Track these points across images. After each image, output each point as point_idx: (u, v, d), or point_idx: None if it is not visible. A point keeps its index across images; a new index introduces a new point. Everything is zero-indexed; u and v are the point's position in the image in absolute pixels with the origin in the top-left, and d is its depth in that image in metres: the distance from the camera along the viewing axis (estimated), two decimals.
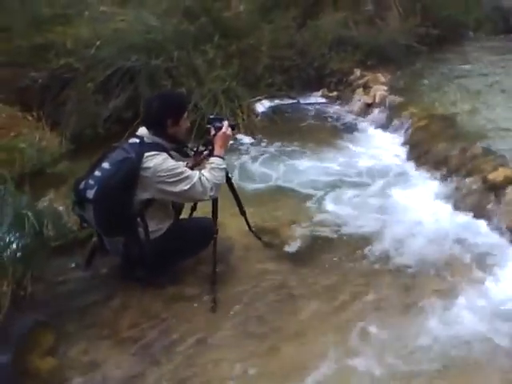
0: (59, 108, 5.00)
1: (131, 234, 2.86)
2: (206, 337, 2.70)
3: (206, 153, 3.09)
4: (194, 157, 3.12)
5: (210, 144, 3.07)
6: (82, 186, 2.81)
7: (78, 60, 5.00)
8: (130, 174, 2.74)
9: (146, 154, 2.77)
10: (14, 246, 2.93)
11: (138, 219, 2.84)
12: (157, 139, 2.88)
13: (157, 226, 2.90)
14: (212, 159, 3.01)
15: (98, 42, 5.09)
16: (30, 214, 2.97)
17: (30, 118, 4.60)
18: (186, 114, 2.98)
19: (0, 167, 3.43)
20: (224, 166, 3.02)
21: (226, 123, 3.08)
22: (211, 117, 3.19)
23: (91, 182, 2.78)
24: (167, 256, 2.97)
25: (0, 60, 4.88)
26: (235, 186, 3.30)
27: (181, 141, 3.02)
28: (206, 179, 2.88)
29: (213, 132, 3.03)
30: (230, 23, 5.91)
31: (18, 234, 2.97)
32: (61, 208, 3.57)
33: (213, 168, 2.95)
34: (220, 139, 3.04)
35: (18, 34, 5.10)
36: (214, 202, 3.07)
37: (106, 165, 2.80)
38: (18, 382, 2.45)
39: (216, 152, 3.03)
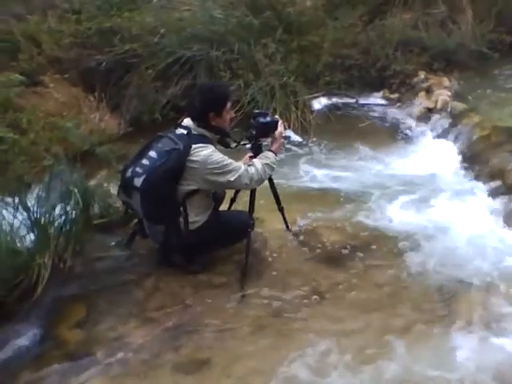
0: (120, 91, 5.19)
1: (172, 223, 2.94)
2: (227, 327, 2.73)
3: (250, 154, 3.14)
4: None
5: (252, 138, 3.10)
6: (129, 173, 2.90)
7: (142, 46, 5.16)
8: (178, 165, 2.82)
9: (194, 146, 2.84)
10: (60, 220, 3.09)
11: (181, 209, 2.91)
12: (202, 131, 2.94)
13: (196, 217, 2.97)
14: (269, 154, 3.09)
15: (162, 30, 5.22)
16: (76, 190, 3.10)
17: (92, 99, 4.79)
18: (228, 105, 3.01)
19: (55, 144, 3.60)
20: (275, 165, 3.11)
21: (280, 122, 3.15)
22: (256, 111, 3.21)
23: (139, 170, 2.86)
24: (203, 246, 3.04)
25: (68, 41, 5.10)
26: (275, 182, 3.30)
27: (225, 132, 3.07)
28: (256, 170, 2.97)
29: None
30: (294, 18, 5.86)
31: (64, 209, 3.12)
32: (110, 187, 3.72)
33: (266, 164, 3.04)
34: (279, 137, 3.13)
35: (88, 17, 5.29)
36: (252, 195, 3.10)
37: (153, 154, 2.87)
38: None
39: (274, 148, 3.12)
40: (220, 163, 2.86)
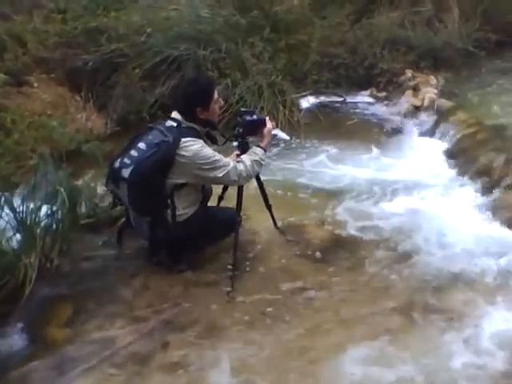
0: (107, 91, 5.17)
1: (159, 215, 2.92)
2: (216, 325, 2.73)
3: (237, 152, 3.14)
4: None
5: (239, 136, 3.10)
6: (117, 164, 2.88)
7: (129, 46, 5.15)
8: (167, 157, 2.80)
9: (183, 140, 2.82)
10: (46, 220, 3.07)
11: (168, 201, 2.89)
12: (191, 124, 2.93)
13: (183, 210, 2.95)
14: (258, 151, 3.07)
15: (148, 30, 5.21)
16: (62, 190, 3.09)
17: (78, 99, 4.77)
18: (215, 96, 2.98)
19: (41, 144, 3.57)
20: (265, 162, 3.11)
21: (268, 118, 3.15)
22: (242, 110, 3.21)
23: (127, 161, 2.84)
24: (190, 240, 3.02)
25: (53, 41, 5.07)
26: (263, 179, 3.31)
27: (214, 124, 3.06)
28: (245, 167, 2.96)
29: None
30: (281, 17, 5.87)
31: (50, 209, 3.10)
32: (97, 187, 3.70)
33: (255, 160, 3.03)
34: (268, 134, 3.12)
35: (74, 17, 5.27)
36: (239, 193, 3.10)
37: (142, 145, 2.85)
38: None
39: (263, 145, 3.11)
40: (209, 158, 2.85)
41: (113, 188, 2.98)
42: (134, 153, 2.85)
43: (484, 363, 2.49)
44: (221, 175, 2.89)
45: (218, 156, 2.91)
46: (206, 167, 2.86)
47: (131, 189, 2.83)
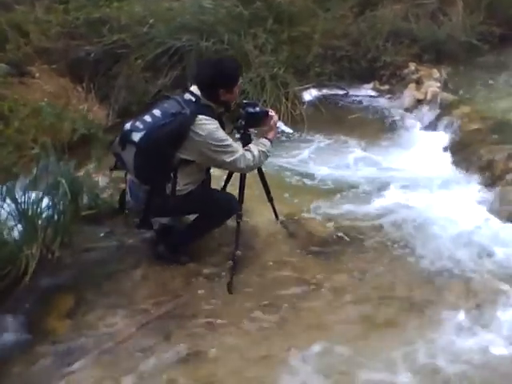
0: (109, 82, 5.15)
1: (159, 186, 2.87)
2: (217, 317, 2.74)
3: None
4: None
5: (241, 129, 3.08)
6: (128, 126, 2.81)
7: (131, 36, 5.12)
8: (181, 130, 2.74)
9: (200, 117, 2.76)
10: (48, 211, 3.07)
11: (171, 174, 2.85)
12: (209, 102, 2.87)
13: (183, 186, 2.90)
14: (265, 142, 3.05)
15: (151, 20, 5.18)
16: (63, 181, 3.08)
17: (80, 90, 4.76)
18: (240, 81, 2.97)
19: (42, 134, 3.56)
20: (270, 153, 3.08)
21: (271, 111, 3.14)
22: (245, 101, 3.19)
23: (139, 125, 2.77)
24: (182, 214, 3.03)
25: (55, 31, 5.05)
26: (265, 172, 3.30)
27: (229, 106, 3.01)
28: (252, 157, 2.93)
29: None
30: (284, 9, 5.83)
31: (52, 200, 3.10)
32: (98, 179, 3.70)
33: (262, 151, 3.00)
34: (274, 126, 3.11)
35: (76, 7, 5.24)
36: (241, 183, 3.09)
37: (157, 112, 2.79)
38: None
39: (270, 137, 3.09)
40: (222, 141, 2.81)
41: (118, 150, 2.87)
42: (147, 118, 2.78)
43: None
44: (229, 160, 2.84)
45: (230, 141, 2.87)
46: (217, 149, 2.80)
47: (139, 154, 2.76)
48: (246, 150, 2.96)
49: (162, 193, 2.86)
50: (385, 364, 2.46)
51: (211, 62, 3.11)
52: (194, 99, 2.84)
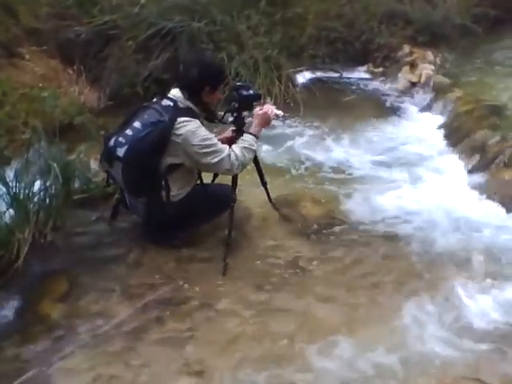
0: (100, 64, 5.09)
1: (154, 195, 2.90)
2: (211, 301, 2.74)
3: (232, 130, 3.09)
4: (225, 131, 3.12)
5: (235, 111, 3.06)
6: (112, 143, 2.84)
7: (122, 17, 5.05)
8: (162, 137, 2.76)
9: (179, 120, 2.77)
10: (39, 195, 3.05)
11: (162, 182, 2.87)
12: (190, 104, 2.87)
13: (178, 191, 2.93)
14: (247, 137, 3.00)
15: (142, 0, 5.10)
16: (55, 165, 3.05)
17: (71, 72, 4.69)
18: (222, 85, 2.95)
19: (33, 118, 3.52)
20: (255, 147, 3.03)
21: (268, 105, 3.10)
22: (238, 84, 3.16)
23: (122, 140, 2.81)
24: (186, 218, 3.00)
25: (45, 11, 4.96)
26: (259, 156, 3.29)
27: (211, 111, 3.02)
28: (236, 156, 2.89)
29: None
30: None
31: (43, 184, 3.07)
32: (90, 162, 3.67)
33: (245, 147, 2.95)
34: (260, 118, 3.04)
35: None
36: None
37: (137, 124, 2.81)
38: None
39: (253, 130, 3.03)
40: (204, 141, 2.79)
41: (107, 167, 2.94)
42: (129, 132, 2.81)
43: None
44: (214, 161, 2.83)
45: (213, 140, 2.86)
46: (200, 151, 2.79)
47: (125, 168, 2.81)
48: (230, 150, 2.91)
49: (159, 202, 2.89)
50: None
51: (199, 59, 3.09)
52: (171, 104, 2.83)
